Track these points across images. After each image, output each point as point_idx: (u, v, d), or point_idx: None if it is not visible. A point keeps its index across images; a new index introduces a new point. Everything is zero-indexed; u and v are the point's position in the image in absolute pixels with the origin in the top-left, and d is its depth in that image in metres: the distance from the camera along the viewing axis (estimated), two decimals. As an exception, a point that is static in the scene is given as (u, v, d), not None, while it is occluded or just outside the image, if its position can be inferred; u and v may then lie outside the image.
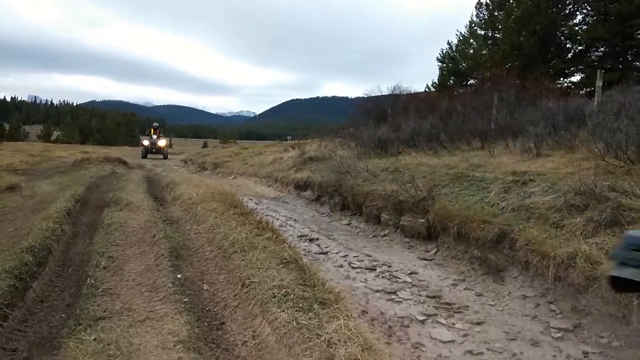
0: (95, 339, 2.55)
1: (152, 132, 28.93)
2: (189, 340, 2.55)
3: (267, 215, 7.99)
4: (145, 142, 27.91)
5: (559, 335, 3.58)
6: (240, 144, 41.37)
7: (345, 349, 2.31)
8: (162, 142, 28.01)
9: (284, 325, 2.69)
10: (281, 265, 3.64)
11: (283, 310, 2.84)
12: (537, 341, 3.47)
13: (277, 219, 8.59)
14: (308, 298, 3.00)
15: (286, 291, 3.10)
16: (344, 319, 2.64)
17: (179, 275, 3.69)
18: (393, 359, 2.36)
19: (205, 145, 56.21)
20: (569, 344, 3.44)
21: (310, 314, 2.77)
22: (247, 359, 2.67)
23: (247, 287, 3.40)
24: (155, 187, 10.34)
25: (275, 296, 3.07)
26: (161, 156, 27.36)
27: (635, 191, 4.95)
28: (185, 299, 3.23)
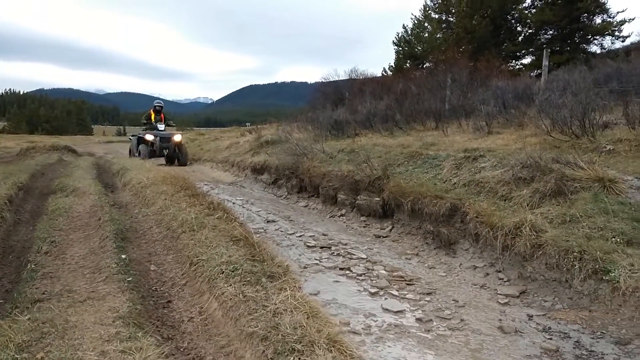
0: (29, 319, 2.43)
1: (152, 116, 15.09)
2: (129, 316, 2.45)
3: (223, 200, 7.84)
4: (150, 137, 14.23)
5: (506, 301, 3.69)
6: (197, 131, 38.07)
7: (291, 317, 2.28)
8: (177, 137, 14.61)
9: (230, 299, 2.64)
10: (231, 243, 3.57)
11: (230, 285, 2.79)
12: (484, 307, 3.56)
13: (233, 202, 8.46)
14: (256, 272, 2.96)
15: (234, 267, 3.04)
16: (291, 290, 2.61)
17: (123, 256, 3.56)
18: (341, 326, 2.34)
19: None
20: (514, 308, 3.54)
21: (257, 287, 2.73)
22: (193, 334, 2.61)
23: (195, 265, 3.32)
24: (105, 173, 9.97)
25: (223, 272, 3.00)
26: (176, 161, 14.61)
27: (577, 162, 5.13)
28: (129, 279, 3.12)
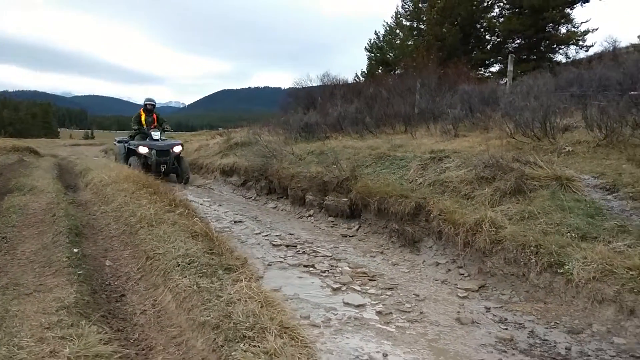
0: (-33, 312, 2.31)
1: (142, 118, 12.02)
2: (74, 306, 2.37)
3: (190, 201, 7.72)
4: (143, 150, 11.09)
5: (465, 294, 3.73)
6: (168, 134, 36.87)
7: (244, 306, 2.25)
8: (177, 148, 11.61)
9: (184, 291, 2.59)
10: (190, 238, 3.51)
11: (185, 277, 2.73)
12: (443, 301, 3.59)
13: (200, 203, 8.34)
14: (213, 265, 2.91)
15: (191, 259, 2.98)
16: (247, 281, 2.57)
17: (75, 250, 3.44)
18: (294, 312, 2.32)
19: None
20: (473, 301, 3.58)
21: (213, 278, 2.68)
22: (145, 325, 2.54)
23: (151, 260, 3.25)
24: (67, 174, 9.70)
25: (179, 265, 2.94)
26: (174, 176, 11.70)
27: (537, 162, 5.25)
28: (80, 272, 3.02)
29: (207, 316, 2.23)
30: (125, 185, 5.70)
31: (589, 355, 2.71)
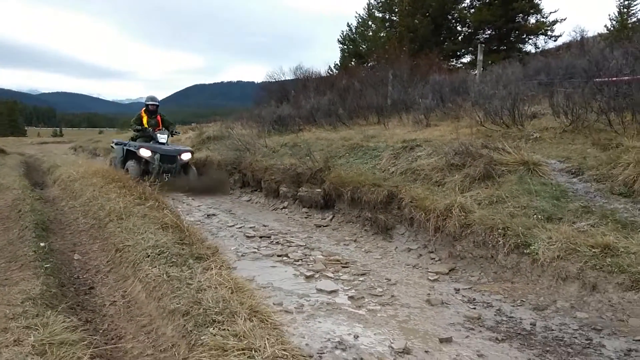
0: None
1: (143, 120, 10.21)
2: (40, 297, 2.33)
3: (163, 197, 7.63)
4: (146, 153, 9.30)
5: (436, 277, 3.80)
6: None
7: (214, 292, 2.25)
8: (186, 155, 9.69)
9: (154, 280, 2.58)
10: (160, 229, 3.48)
11: (155, 267, 2.72)
12: (414, 284, 3.65)
13: (173, 199, 8.24)
14: (183, 254, 2.90)
15: (161, 250, 2.97)
16: (217, 269, 2.57)
17: (42, 244, 3.37)
18: (266, 300, 2.33)
19: (101, 134, 51.90)
20: (443, 284, 3.66)
21: (183, 267, 2.68)
22: (114, 316, 2.53)
23: (121, 252, 3.21)
24: (34, 171, 9.46)
25: (149, 255, 2.92)
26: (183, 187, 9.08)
27: (505, 148, 5.37)
28: (47, 265, 2.96)
29: (177, 304, 2.23)
30: (94, 180, 5.60)
31: (552, 330, 2.80)
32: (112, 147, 10.80)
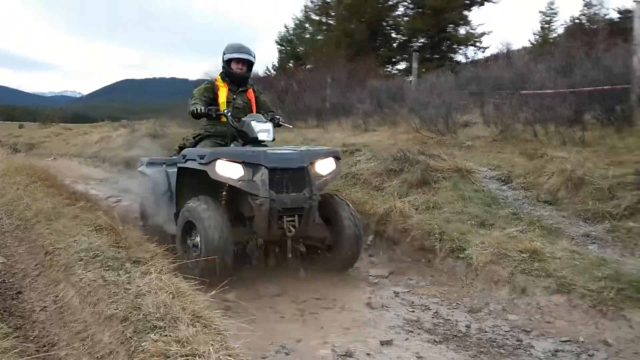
0: None
1: (220, 93, 4.30)
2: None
3: (93, 195, 7.22)
4: (233, 171, 3.42)
5: (376, 281, 3.89)
6: (64, 126, 26.58)
7: (155, 297, 2.19)
8: (326, 164, 3.91)
9: (89, 285, 2.47)
10: (94, 232, 3.31)
11: (89, 271, 2.61)
12: (355, 288, 3.72)
13: (105, 199, 7.83)
14: (120, 258, 2.79)
15: (95, 253, 2.83)
16: (157, 273, 2.50)
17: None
18: (207, 302, 2.29)
19: (21, 128, 48.04)
20: (383, 287, 3.76)
21: (120, 271, 2.58)
22: (46, 322, 2.41)
23: (50, 255, 3.04)
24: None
25: (82, 259, 2.78)
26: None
27: (440, 155, 5.60)
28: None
29: (115, 309, 2.16)
30: (18, 178, 5.23)
31: (486, 332, 2.95)
32: (141, 171, 5.29)
